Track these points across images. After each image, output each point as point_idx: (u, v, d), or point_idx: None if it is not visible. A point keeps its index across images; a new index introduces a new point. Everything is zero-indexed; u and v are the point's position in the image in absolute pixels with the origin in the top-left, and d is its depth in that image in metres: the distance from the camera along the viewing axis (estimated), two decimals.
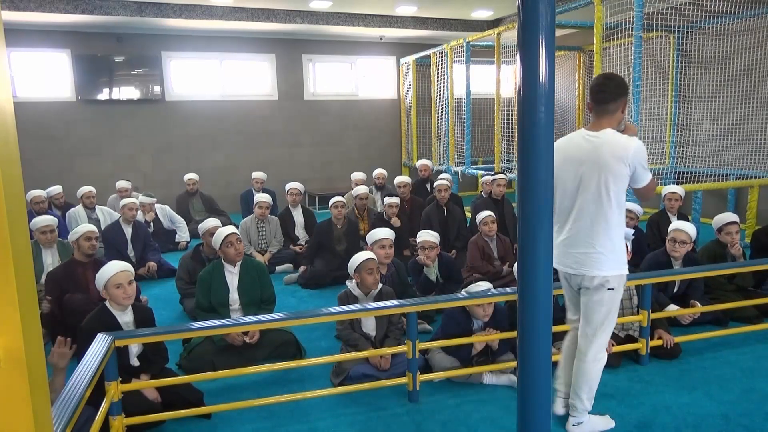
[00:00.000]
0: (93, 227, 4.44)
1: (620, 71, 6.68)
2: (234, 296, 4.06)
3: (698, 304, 4.13)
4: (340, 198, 5.94)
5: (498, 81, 8.37)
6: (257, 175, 8.29)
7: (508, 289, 3.58)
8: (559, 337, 3.63)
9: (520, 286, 1.89)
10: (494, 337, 3.42)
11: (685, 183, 6.78)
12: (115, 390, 2.71)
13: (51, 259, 5.09)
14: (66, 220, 6.77)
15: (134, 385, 2.96)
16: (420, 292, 4.64)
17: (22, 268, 1.37)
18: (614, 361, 3.60)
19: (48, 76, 9.20)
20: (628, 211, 5.07)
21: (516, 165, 6.80)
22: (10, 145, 1.36)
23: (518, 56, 1.78)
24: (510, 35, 8.26)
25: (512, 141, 8.52)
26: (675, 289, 4.23)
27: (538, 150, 1.81)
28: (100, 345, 2.60)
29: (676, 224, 4.32)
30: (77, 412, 2.02)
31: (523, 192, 1.85)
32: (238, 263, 4.12)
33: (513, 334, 3.39)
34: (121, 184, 7.82)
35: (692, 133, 8.08)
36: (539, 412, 1.91)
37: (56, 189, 7.51)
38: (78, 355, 2.68)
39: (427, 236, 4.71)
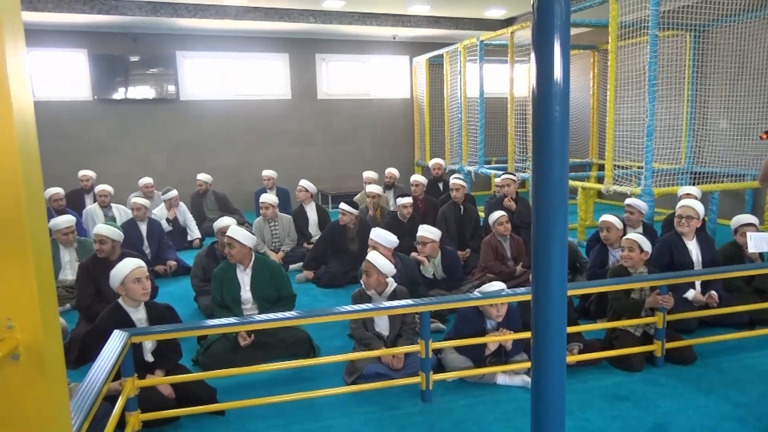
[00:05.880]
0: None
1: (635, 70, 6.62)
2: (246, 295, 4.07)
3: (716, 295, 4.12)
4: (343, 206, 5.91)
5: (511, 80, 8.33)
6: (267, 173, 8.33)
7: (521, 290, 3.57)
8: (574, 338, 3.63)
9: (534, 287, 1.88)
10: (508, 337, 3.41)
11: (702, 183, 6.71)
12: (131, 386, 2.74)
13: (69, 257, 5.16)
14: (82, 218, 6.86)
15: (150, 381, 2.99)
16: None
17: (42, 265, 1.40)
18: (637, 366, 3.58)
19: (66, 75, 9.32)
20: (629, 206, 5.03)
21: (530, 164, 6.80)
22: (30, 145, 1.39)
23: (532, 55, 1.77)
24: (524, 34, 8.22)
25: (526, 140, 8.48)
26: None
27: (552, 150, 1.79)
28: (116, 341, 2.64)
29: (683, 201, 4.39)
30: (95, 407, 2.05)
31: (538, 192, 1.84)
32: (250, 263, 4.12)
33: (526, 334, 3.38)
34: (144, 180, 7.91)
35: (709, 132, 7.99)
36: (553, 413, 1.89)
37: (86, 173, 7.95)
38: (94, 352, 2.70)
39: (423, 232, 4.81)
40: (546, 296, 1.88)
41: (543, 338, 1.91)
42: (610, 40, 6.28)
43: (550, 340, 1.89)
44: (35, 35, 8.81)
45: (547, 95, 1.78)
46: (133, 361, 2.79)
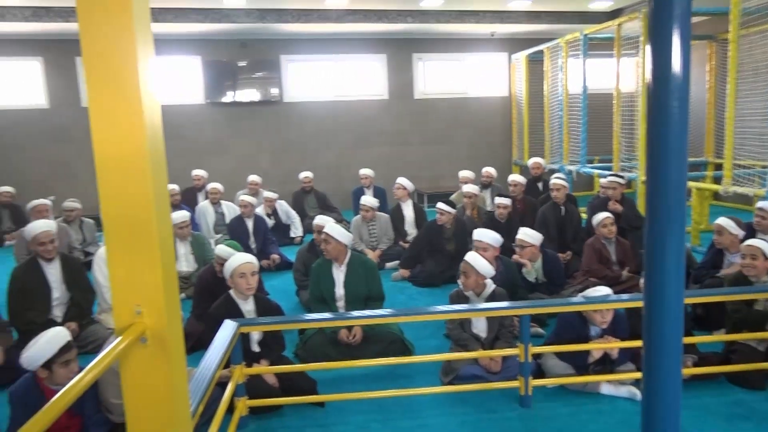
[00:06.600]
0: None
1: (760, 61, 6.05)
2: (340, 291, 4.15)
3: None
4: (441, 205, 5.86)
5: (618, 75, 7.91)
6: (365, 172, 8.48)
7: (625, 296, 3.39)
8: (687, 350, 3.39)
9: (647, 293, 1.76)
10: (613, 345, 3.24)
11: None
12: (239, 373, 2.90)
13: (184, 250, 5.55)
14: (195, 214, 7.36)
15: (257, 369, 3.15)
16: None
17: (166, 257, 1.51)
18: (758, 383, 3.29)
19: (182, 80, 10.01)
20: (761, 210, 4.59)
21: (636, 164, 6.41)
22: (157, 146, 1.50)
23: (648, 47, 1.67)
24: (631, 26, 7.77)
25: (633, 139, 8.02)
26: None
27: (669, 147, 1.68)
28: (227, 331, 2.80)
29: None
30: (209, 389, 2.19)
31: (653, 193, 1.73)
32: (345, 260, 4.19)
33: (635, 343, 3.20)
34: (252, 178, 8.35)
35: None
36: (666, 429, 1.78)
37: (198, 172, 8.57)
38: (207, 339, 2.88)
39: (522, 235, 4.68)
40: (660, 304, 1.76)
41: (656, 349, 1.78)
42: (730, 29, 5.78)
43: (664, 351, 1.76)
44: (156, 44, 9.51)
45: (665, 90, 1.67)
46: (241, 350, 2.95)
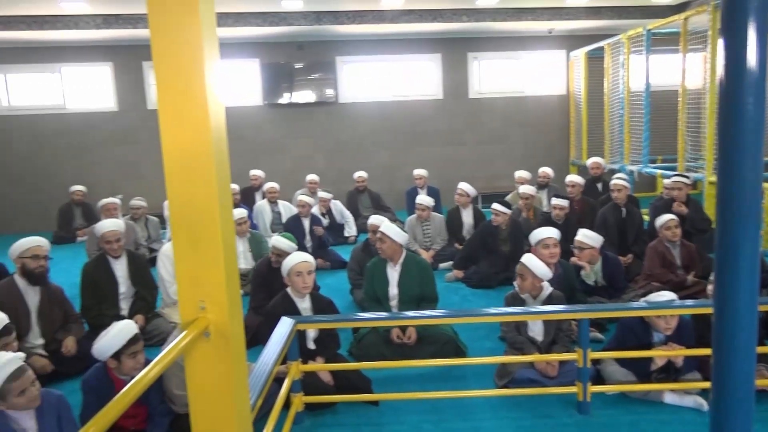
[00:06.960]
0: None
1: None
2: (393, 291, 4.16)
3: None
4: (496, 206, 5.77)
5: (683, 71, 7.57)
6: (419, 172, 8.46)
7: (689, 302, 3.24)
8: (760, 359, 3.21)
9: (718, 299, 1.67)
10: (678, 353, 3.11)
11: None
12: (295, 369, 2.95)
13: (242, 247, 5.71)
14: (253, 213, 7.55)
15: (312, 366, 3.20)
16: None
17: (229, 254, 1.55)
18: None
19: (241, 83, 10.28)
20: None
21: (702, 164, 6.12)
22: (221, 146, 1.55)
23: (720, 41, 1.58)
24: (698, 20, 7.42)
25: (700, 137, 7.66)
26: None
27: (743, 146, 1.58)
28: (284, 327, 2.86)
29: None
30: (267, 384, 2.24)
31: (725, 193, 1.63)
32: (400, 260, 4.20)
33: (702, 351, 3.06)
34: (310, 177, 8.52)
35: None
36: None
37: (256, 172, 8.91)
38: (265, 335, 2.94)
39: (581, 236, 4.54)
40: (732, 311, 1.65)
41: (727, 358, 1.69)
42: None
43: (736, 360, 1.67)
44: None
45: (739, 86, 1.57)
46: (298, 347, 3.00)
